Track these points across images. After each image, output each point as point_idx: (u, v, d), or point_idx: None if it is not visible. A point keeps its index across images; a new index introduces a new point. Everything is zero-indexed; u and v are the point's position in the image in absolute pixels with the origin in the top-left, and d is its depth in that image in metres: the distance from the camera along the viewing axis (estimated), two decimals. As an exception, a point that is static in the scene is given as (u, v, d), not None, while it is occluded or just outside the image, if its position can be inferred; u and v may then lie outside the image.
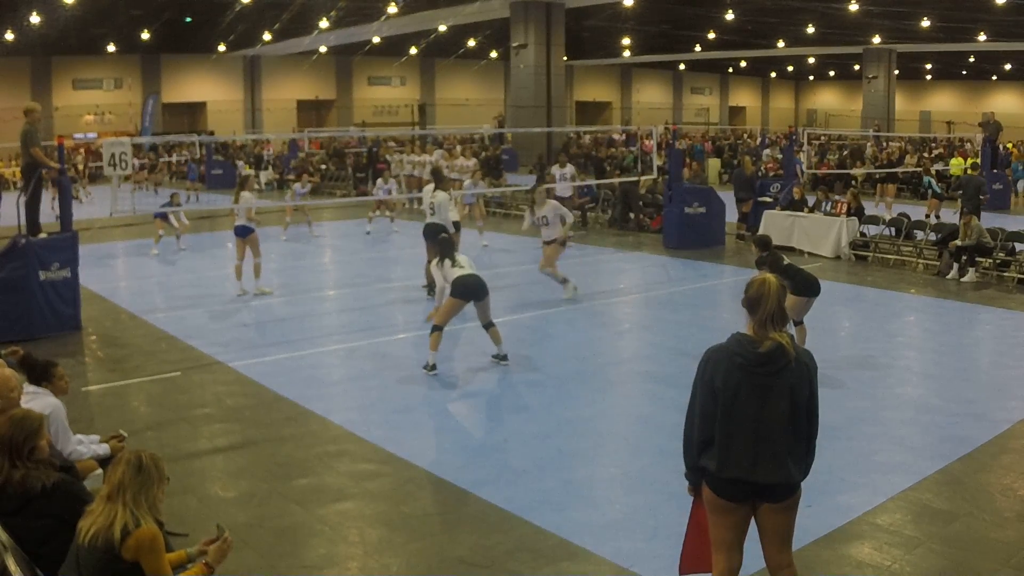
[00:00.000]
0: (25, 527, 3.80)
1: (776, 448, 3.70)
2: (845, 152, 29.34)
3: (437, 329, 8.57)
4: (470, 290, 8.53)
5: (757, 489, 3.75)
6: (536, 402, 7.76)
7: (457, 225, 12.58)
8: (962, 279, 13.04)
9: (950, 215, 17.56)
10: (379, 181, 19.01)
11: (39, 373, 5.18)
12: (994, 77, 51.96)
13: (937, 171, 24.08)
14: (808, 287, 8.51)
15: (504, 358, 8.83)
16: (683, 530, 4.15)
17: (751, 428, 3.68)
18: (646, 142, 26.13)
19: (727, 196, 17.22)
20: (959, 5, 29.97)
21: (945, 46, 39.49)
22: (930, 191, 21.69)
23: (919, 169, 24.43)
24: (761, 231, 14.50)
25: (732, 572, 3.88)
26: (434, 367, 8.55)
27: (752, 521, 3.90)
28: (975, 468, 6.21)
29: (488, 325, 8.76)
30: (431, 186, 12.12)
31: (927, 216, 17.76)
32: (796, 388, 3.71)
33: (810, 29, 36.07)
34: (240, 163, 30.60)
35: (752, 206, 16.66)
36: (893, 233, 15.09)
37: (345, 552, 5.16)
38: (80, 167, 29.78)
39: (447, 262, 8.68)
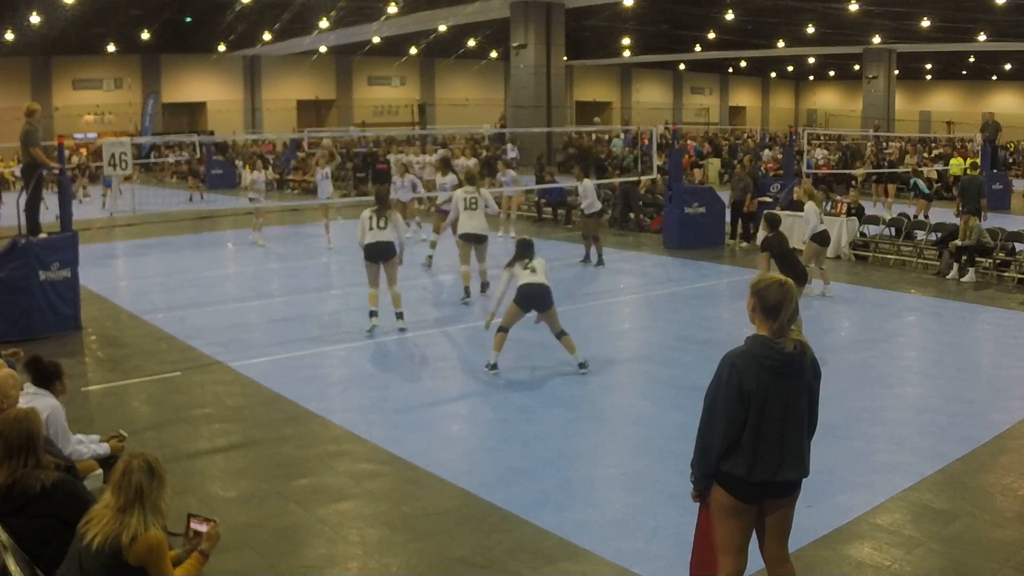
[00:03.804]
0: (25, 527, 3.79)
1: (798, 446, 3.79)
2: (842, 154, 29.30)
3: (503, 330, 8.40)
4: (530, 300, 8.24)
5: (775, 488, 3.78)
6: (536, 402, 7.75)
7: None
8: (962, 279, 13.04)
9: (937, 216, 17.54)
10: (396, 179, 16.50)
11: (48, 376, 5.13)
12: (994, 77, 52.00)
13: (938, 171, 24.04)
14: (800, 278, 9.00)
15: (583, 365, 8.45)
16: (682, 530, 4.14)
17: (777, 429, 3.72)
18: (646, 140, 26.09)
19: (727, 196, 17.19)
20: (959, 5, 29.99)
21: (945, 46, 39.51)
22: (914, 192, 21.68)
23: (907, 171, 24.39)
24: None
25: (740, 574, 3.90)
26: (495, 366, 8.44)
27: None
28: (975, 468, 6.21)
29: (559, 334, 8.41)
30: (588, 180, 13.82)
31: (914, 217, 17.76)
32: (812, 384, 3.83)
33: (810, 29, 36.09)
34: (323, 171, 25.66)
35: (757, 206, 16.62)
36: (893, 233, 15.09)
37: (345, 552, 5.16)
38: (77, 169, 29.68)
39: (518, 265, 8.32)
